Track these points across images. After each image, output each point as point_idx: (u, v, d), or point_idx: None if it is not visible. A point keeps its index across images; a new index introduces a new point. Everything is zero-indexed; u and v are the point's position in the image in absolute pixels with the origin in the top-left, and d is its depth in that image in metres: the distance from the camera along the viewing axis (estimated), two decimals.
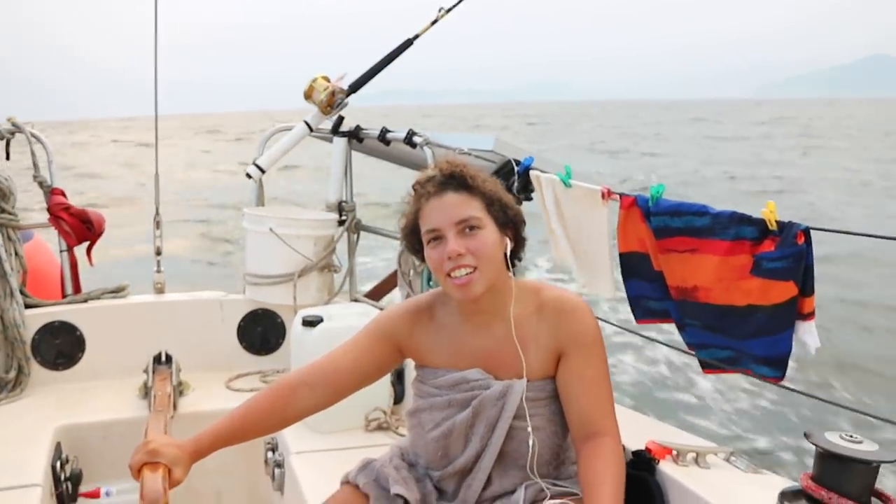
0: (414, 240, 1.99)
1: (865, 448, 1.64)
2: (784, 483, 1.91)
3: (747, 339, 2.31)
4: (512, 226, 1.96)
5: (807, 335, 2.22)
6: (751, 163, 30.75)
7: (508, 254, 1.94)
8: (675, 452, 2.13)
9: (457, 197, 1.89)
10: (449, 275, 1.86)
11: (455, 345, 2.01)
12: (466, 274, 1.85)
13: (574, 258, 2.94)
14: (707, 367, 2.53)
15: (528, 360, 1.93)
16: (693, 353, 2.54)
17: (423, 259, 1.97)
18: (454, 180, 1.90)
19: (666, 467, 2.09)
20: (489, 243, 1.87)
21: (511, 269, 1.96)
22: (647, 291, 2.64)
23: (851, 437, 1.70)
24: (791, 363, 2.26)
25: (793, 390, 2.38)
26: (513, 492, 1.96)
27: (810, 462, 1.75)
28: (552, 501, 1.88)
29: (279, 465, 3.05)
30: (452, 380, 2.00)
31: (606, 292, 2.79)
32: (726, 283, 2.32)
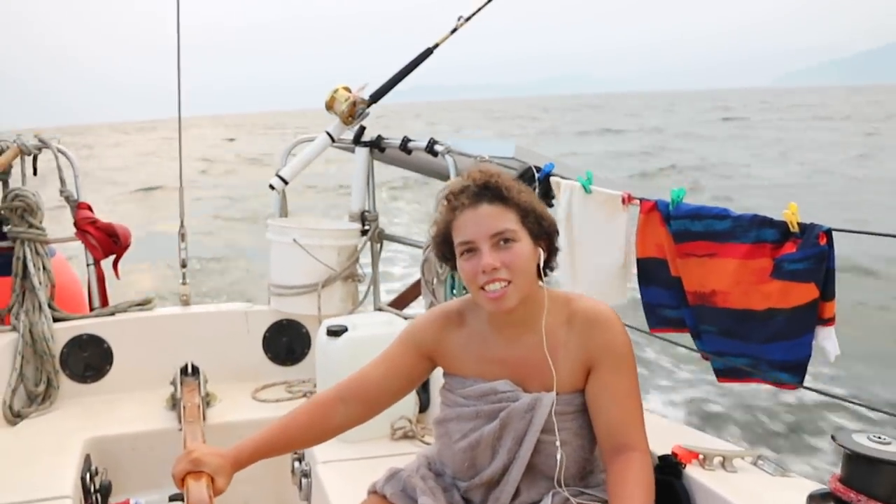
0: (445, 249, 1.98)
1: (894, 449, 1.63)
2: (812, 486, 1.90)
3: (765, 344, 2.30)
4: (546, 237, 1.95)
5: (826, 341, 2.21)
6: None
7: (541, 264, 1.94)
8: (701, 457, 2.12)
9: (491, 209, 1.87)
10: (482, 288, 1.86)
11: (484, 354, 2.00)
12: (501, 287, 1.84)
13: (570, 267, 2.93)
14: (722, 375, 2.51)
15: (558, 372, 1.92)
16: (708, 360, 2.53)
17: (454, 268, 1.97)
18: (489, 191, 1.88)
19: (692, 472, 2.08)
20: (523, 256, 1.86)
21: (542, 279, 1.95)
22: (664, 299, 2.63)
23: (879, 438, 1.68)
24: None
25: (816, 391, 2.36)
26: (540, 501, 1.96)
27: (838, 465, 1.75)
28: None
29: (306, 474, 3.06)
30: (480, 390, 1.99)
31: (617, 299, 2.78)
32: (745, 287, 2.31)
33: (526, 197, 1.92)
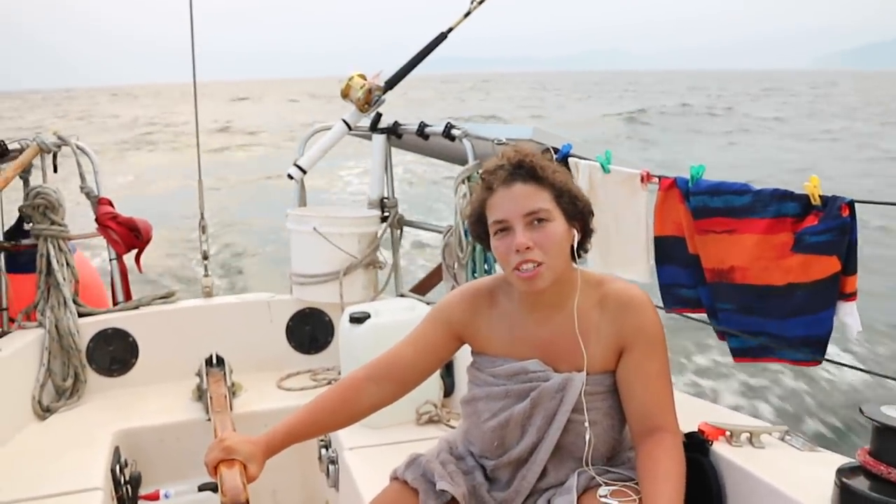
0: (479, 228, 1.98)
1: None
2: (841, 460, 1.89)
3: (785, 320, 2.28)
4: (580, 217, 1.95)
5: (848, 316, 2.19)
6: None
7: (575, 245, 1.93)
8: (728, 433, 2.11)
9: (525, 188, 1.87)
10: (516, 268, 1.85)
11: (514, 333, 2.01)
12: (534, 268, 1.84)
13: (596, 246, 2.93)
14: (738, 354, 2.50)
15: (589, 353, 1.92)
16: (724, 339, 2.51)
17: (488, 247, 1.97)
18: (523, 170, 1.88)
19: (720, 448, 2.07)
20: (557, 236, 1.86)
21: (576, 260, 1.95)
22: (681, 278, 2.61)
23: None
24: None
25: (838, 363, 2.34)
26: (566, 481, 1.96)
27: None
28: (608, 488, 1.88)
29: (333, 461, 3.08)
30: (511, 370, 1.99)
31: (642, 277, 2.77)
32: (765, 263, 2.29)
33: (561, 177, 1.92)
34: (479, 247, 3.40)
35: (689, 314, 2.67)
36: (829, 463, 1.86)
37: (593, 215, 1.99)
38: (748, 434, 2.12)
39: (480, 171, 1.96)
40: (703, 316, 2.60)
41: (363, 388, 1.99)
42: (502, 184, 1.88)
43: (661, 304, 2.63)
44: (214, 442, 1.84)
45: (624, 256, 2.83)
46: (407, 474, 2.09)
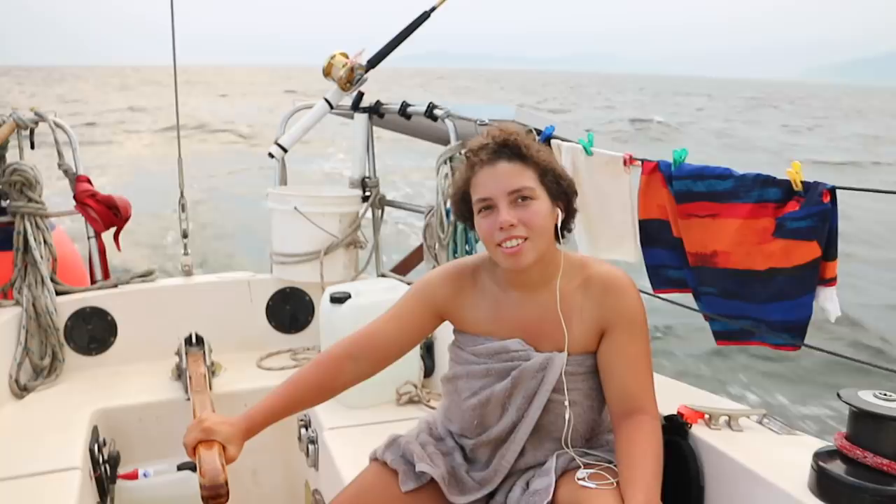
0: (464, 207, 1.99)
1: None
2: (819, 444, 1.90)
3: (766, 304, 2.30)
4: (564, 197, 1.95)
5: (828, 301, 2.21)
6: None
7: (559, 225, 1.93)
8: (707, 416, 2.13)
9: (510, 166, 1.87)
10: (499, 245, 1.86)
11: (496, 313, 2.01)
12: (518, 243, 1.84)
13: (583, 228, 2.93)
14: (720, 338, 2.52)
15: (571, 334, 1.94)
16: (708, 321, 2.53)
17: (472, 226, 1.97)
18: (507, 149, 1.88)
19: (698, 431, 2.09)
20: (541, 214, 1.87)
21: (560, 240, 1.95)
22: (666, 260, 2.63)
23: (886, 395, 1.69)
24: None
25: (817, 349, 2.36)
26: (545, 462, 1.97)
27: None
28: (586, 471, 1.89)
29: (313, 441, 3.08)
30: (492, 349, 2.00)
31: (629, 257, 2.78)
32: (747, 247, 2.31)
33: (545, 156, 1.93)
34: (460, 227, 3.39)
35: (677, 293, 2.69)
36: (807, 446, 1.88)
37: (577, 195, 1.99)
38: (727, 417, 2.14)
39: (464, 150, 1.96)
40: (690, 300, 2.62)
41: (341, 365, 1.98)
42: (487, 162, 1.89)
43: (647, 288, 2.64)
44: (193, 422, 1.83)
45: (611, 237, 2.84)
46: (386, 455, 2.10)
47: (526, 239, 1.85)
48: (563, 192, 1.94)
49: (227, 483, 1.71)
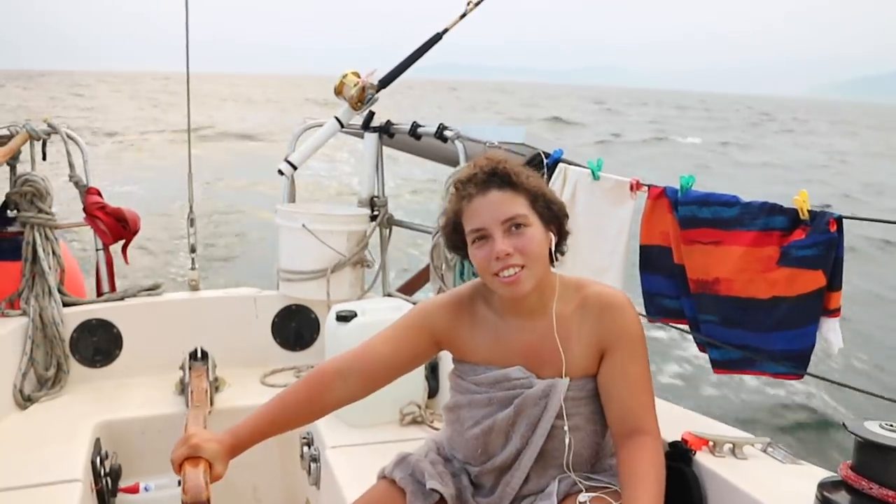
0: (455, 238, 1.98)
1: None
2: (823, 474, 1.89)
3: (769, 333, 2.29)
4: (556, 220, 1.95)
5: (831, 332, 2.20)
6: None
7: (553, 249, 1.93)
8: (711, 443, 2.12)
9: (501, 195, 1.87)
10: (496, 274, 1.85)
11: (496, 341, 2.00)
12: (515, 272, 1.84)
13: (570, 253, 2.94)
14: (718, 366, 2.50)
15: (571, 357, 1.93)
16: (705, 351, 2.52)
17: (465, 256, 1.96)
18: (497, 177, 1.88)
19: (702, 458, 2.08)
20: (536, 241, 1.86)
21: (554, 263, 1.95)
22: (664, 288, 2.62)
23: (892, 426, 1.68)
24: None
25: (820, 378, 2.36)
26: (547, 488, 1.96)
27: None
28: (588, 494, 1.88)
29: (315, 459, 3.07)
30: (493, 377, 1.99)
31: (614, 284, 2.78)
32: (750, 275, 2.30)
33: (534, 182, 1.92)
34: None
35: (672, 324, 2.68)
36: (811, 476, 1.87)
37: (568, 217, 1.99)
38: (731, 445, 2.13)
39: (453, 181, 1.95)
40: (685, 326, 2.61)
41: (331, 383, 1.95)
42: (478, 192, 1.88)
43: (643, 312, 2.64)
44: (181, 439, 1.81)
45: (597, 265, 2.83)
46: (395, 473, 2.08)
47: (523, 267, 1.85)
48: (554, 216, 1.94)
49: (209, 501, 1.70)
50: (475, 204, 1.88)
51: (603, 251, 2.82)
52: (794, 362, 2.27)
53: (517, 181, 1.88)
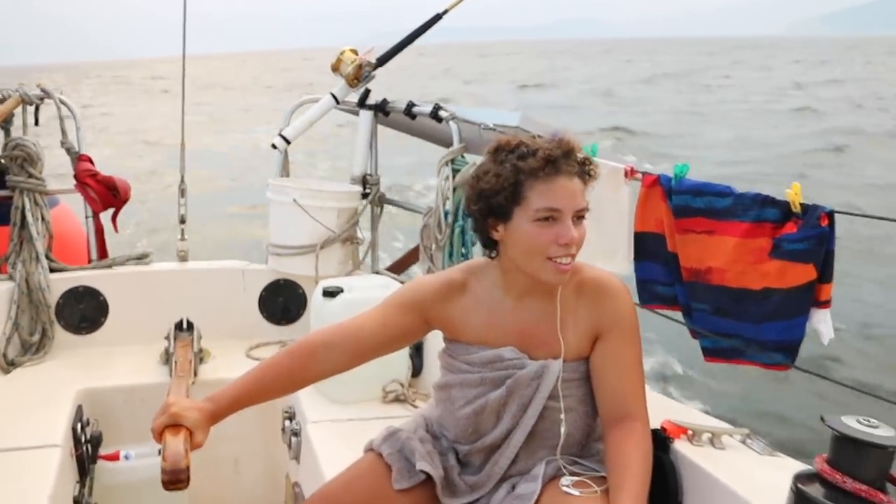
0: (497, 199, 1.87)
1: (882, 433, 1.63)
2: (799, 466, 1.90)
3: (759, 323, 2.30)
4: None
5: (821, 324, 2.21)
6: None
7: None
8: (690, 432, 2.13)
9: (581, 185, 1.86)
10: (552, 259, 1.84)
11: (490, 320, 2.00)
12: (570, 262, 1.85)
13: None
14: (709, 354, 2.52)
15: (566, 340, 1.94)
16: (697, 338, 2.53)
17: (488, 225, 1.91)
18: (584, 169, 1.87)
19: (680, 447, 2.09)
20: (585, 234, 1.88)
21: None
22: (658, 275, 2.63)
23: (868, 421, 1.68)
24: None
25: (807, 371, 2.37)
26: (534, 469, 1.97)
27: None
28: (570, 478, 1.89)
29: (296, 433, 3.08)
30: (486, 357, 1.99)
31: (622, 269, 2.78)
32: (742, 266, 2.31)
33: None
34: (457, 230, 3.38)
35: (664, 311, 2.69)
36: (787, 468, 1.88)
37: None
38: (710, 434, 2.13)
39: (541, 151, 1.85)
40: (678, 314, 2.62)
41: (316, 355, 1.95)
42: (560, 173, 1.84)
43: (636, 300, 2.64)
44: (162, 407, 1.82)
45: (603, 249, 2.84)
46: (384, 448, 2.08)
47: (573, 257, 1.86)
48: None
49: (188, 469, 1.70)
50: (555, 184, 1.83)
51: (608, 236, 2.82)
52: (784, 353, 2.28)
53: (591, 176, 1.90)
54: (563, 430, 1.94)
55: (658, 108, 31.54)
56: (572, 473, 1.92)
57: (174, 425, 1.78)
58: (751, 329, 2.34)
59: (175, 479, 1.70)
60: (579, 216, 1.85)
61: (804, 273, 2.18)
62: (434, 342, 2.17)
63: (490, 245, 1.97)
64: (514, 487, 1.97)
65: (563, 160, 1.84)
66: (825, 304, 2.21)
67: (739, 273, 2.34)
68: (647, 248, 2.65)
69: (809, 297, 2.21)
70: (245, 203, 14.85)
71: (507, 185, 1.85)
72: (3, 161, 3.66)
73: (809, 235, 2.15)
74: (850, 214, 2.28)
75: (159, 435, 1.78)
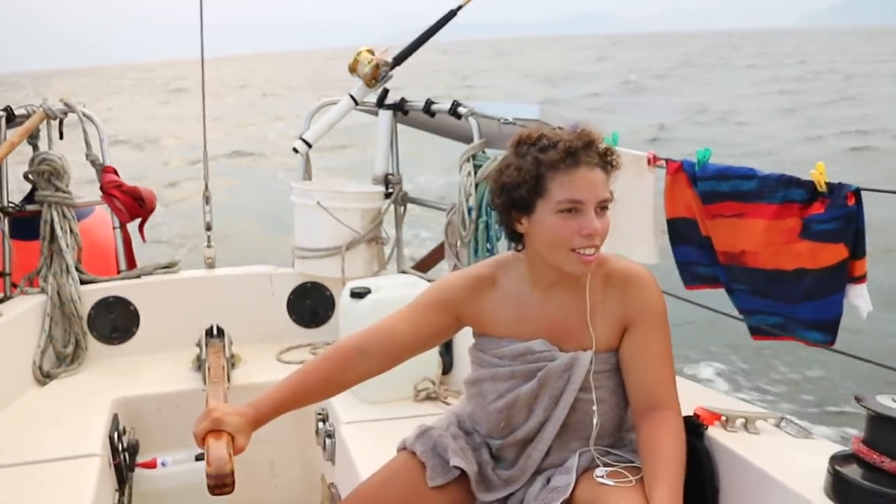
0: (520, 196, 1.88)
1: None
2: (835, 448, 1.89)
3: (797, 303, 2.30)
4: None
5: (858, 299, 2.20)
6: None
7: None
8: (723, 418, 2.12)
9: (603, 176, 1.86)
10: (575, 250, 1.84)
11: (519, 314, 2.01)
12: (593, 253, 1.85)
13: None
14: (756, 332, 2.52)
15: (596, 331, 1.94)
16: (742, 318, 2.53)
17: (512, 218, 1.93)
18: (605, 160, 1.87)
19: (715, 433, 2.08)
20: (609, 225, 1.88)
21: None
22: (696, 257, 2.62)
23: None
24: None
25: (846, 354, 2.35)
26: (567, 461, 1.97)
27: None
28: (605, 469, 1.89)
29: (330, 435, 3.09)
30: (517, 350, 2.00)
31: (650, 259, 2.78)
32: (774, 248, 2.30)
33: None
34: (481, 225, 3.39)
35: (708, 289, 2.68)
36: (823, 450, 1.87)
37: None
38: (744, 420, 2.12)
39: (561, 143, 1.86)
40: (717, 303, 2.61)
41: (352, 359, 1.97)
42: (580, 164, 1.84)
43: (669, 288, 2.64)
44: (203, 412, 1.83)
45: (630, 239, 2.84)
46: (417, 446, 2.09)
47: (597, 248, 1.86)
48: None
49: (233, 473, 1.72)
50: (576, 175, 1.83)
51: (632, 225, 2.82)
52: (824, 332, 2.28)
53: (615, 166, 1.90)
54: (595, 420, 1.94)
55: None
56: (606, 464, 1.92)
57: (216, 430, 1.79)
58: (789, 309, 2.35)
59: (221, 483, 1.71)
60: (602, 207, 1.85)
61: (836, 253, 2.17)
62: (463, 339, 2.17)
63: (515, 238, 1.97)
64: (548, 480, 1.97)
65: (584, 151, 1.84)
66: (861, 279, 2.20)
67: (772, 255, 2.34)
68: (682, 233, 2.65)
69: (843, 275, 2.20)
70: None
71: (529, 177, 1.86)
72: (31, 176, 3.71)
73: (837, 215, 2.14)
74: (877, 191, 2.26)
75: (202, 440, 1.79)
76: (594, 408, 1.94)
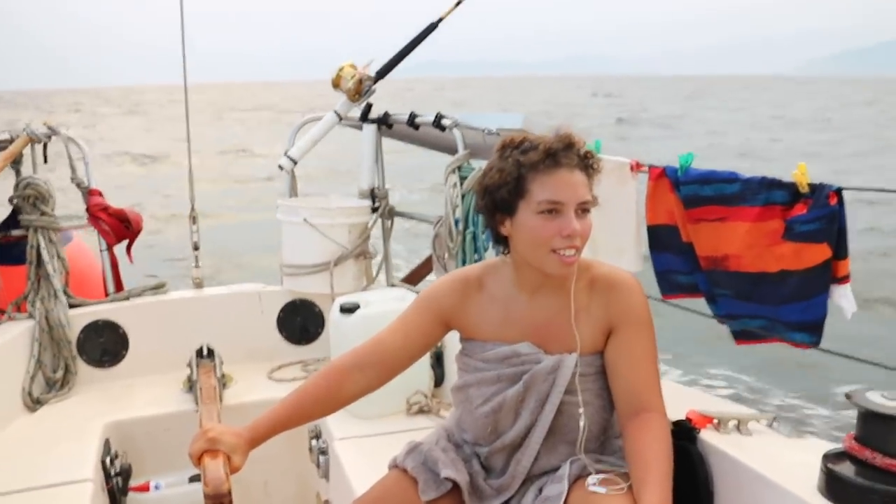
0: (501, 194, 1.90)
1: None
2: (828, 446, 1.90)
3: (781, 305, 2.30)
4: None
5: (842, 299, 2.21)
6: None
7: None
8: (716, 421, 2.12)
9: (582, 177, 1.87)
10: (555, 251, 1.85)
11: (504, 317, 2.01)
12: (574, 254, 1.86)
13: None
14: (739, 337, 2.52)
15: (580, 334, 1.95)
16: (724, 323, 2.53)
17: (496, 221, 1.94)
18: (586, 162, 1.89)
19: (707, 436, 2.08)
20: (591, 227, 1.89)
21: None
22: (676, 265, 2.63)
23: (894, 396, 1.68)
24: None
25: (832, 353, 2.36)
26: (559, 467, 1.97)
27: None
28: (597, 476, 1.89)
29: (323, 451, 3.08)
30: (502, 353, 2.00)
31: (633, 266, 2.78)
32: (758, 250, 2.31)
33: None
34: (468, 237, 3.39)
35: (687, 298, 2.68)
36: (816, 449, 1.87)
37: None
38: (736, 421, 2.13)
39: (542, 145, 1.88)
40: (697, 305, 2.62)
41: (348, 376, 1.98)
42: (560, 166, 1.86)
43: (654, 293, 2.64)
44: (199, 433, 1.83)
45: (612, 246, 2.84)
46: (407, 462, 2.09)
47: (577, 250, 1.87)
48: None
49: (230, 493, 1.71)
50: (556, 176, 1.85)
51: (614, 233, 2.82)
52: (808, 332, 2.29)
53: (595, 170, 1.91)
54: (582, 423, 1.94)
55: None
56: (598, 472, 1.92)
57: (212, 450, 1.79)
58: (773, 311, 2.35)
59: (218, 502, 1.71)
60: (584, 209, 1.87)
61: (819, 253, 2.18)
62: (454, 350, 2.18)
63: (501, 241, 1.99)
64: (541, 490, 1.97)
65: (564, 153, 1.86)
66: (844, 279, 2.21)
67: (755, 257, 2.35)
68: (662, 240, 2.65)
69: (827, 276, 2.21)
70: None
71: (511, 179, 1.88)
72: (15, 201, 3.69)
73: (820, 215, 2.15)
74: (857, 190, 2.28)
75: (198, 460, 1.79)
76: (580, 410, 1.94)
